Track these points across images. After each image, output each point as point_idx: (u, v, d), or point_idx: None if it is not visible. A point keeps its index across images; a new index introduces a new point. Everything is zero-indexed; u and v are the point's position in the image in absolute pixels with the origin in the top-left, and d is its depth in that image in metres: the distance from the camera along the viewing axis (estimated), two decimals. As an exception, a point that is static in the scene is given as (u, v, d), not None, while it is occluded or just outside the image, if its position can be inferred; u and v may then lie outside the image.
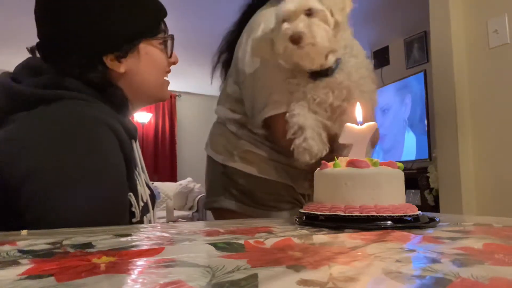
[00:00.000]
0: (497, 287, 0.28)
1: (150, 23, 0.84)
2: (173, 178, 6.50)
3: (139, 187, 0.79)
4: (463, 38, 1.93)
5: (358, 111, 0.72)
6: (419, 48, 4.12)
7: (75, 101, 0.73)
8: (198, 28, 3.97)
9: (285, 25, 0.96)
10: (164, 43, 0.87)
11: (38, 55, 0.80)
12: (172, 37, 0.89)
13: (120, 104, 0.81)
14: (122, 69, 0.80)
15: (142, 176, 0.85)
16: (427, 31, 3.83)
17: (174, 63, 0.92)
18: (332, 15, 0.95)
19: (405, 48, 4.28)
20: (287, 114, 1.02)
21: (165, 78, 0.91)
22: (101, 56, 0.78)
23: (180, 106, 6.92)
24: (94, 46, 0.77)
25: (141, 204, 0.79)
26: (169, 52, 0.89)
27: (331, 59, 0.99)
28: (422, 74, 3.46)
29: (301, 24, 0.94)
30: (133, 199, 0.75)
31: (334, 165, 0.64)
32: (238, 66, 1.15)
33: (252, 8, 1.22)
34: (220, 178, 1.19)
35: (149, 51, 0.84)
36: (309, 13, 0.95)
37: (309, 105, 1.02)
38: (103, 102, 0.77)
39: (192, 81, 6.07)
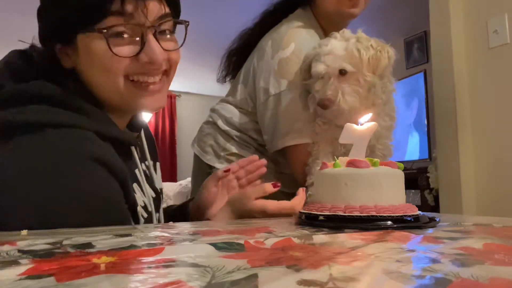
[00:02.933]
0: (497, 287, 0.28)
1: (85, 7, 0.61)
2: (173, 178, 6.49)
3: (139, 201, 0.71)
4: (463, 38, 1.93)
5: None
6: (419, 48, 4.12)
7: (56, 131, 0.60)
8: (199, 27, 3.98)
9: (316, 87, 0.96)
10: (118, 34, 0.62)
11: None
12: (145, 29, 0.63)
13: (87, 106, 0.65)
14: (67, 63, 0.67)
15: (144, 184, 0.76)
16: (427, 31, 3.82)
17: (149, 62, 0.65)
18: (365, 75, 0.95)
19: (405, 48, 4.28)
20: (310, 159, 1.03)
21: (133, 81, 0.67)
22: (51, 44, 0.66)
23: (180, 106, 6.92)
24: (47, 31, 0.66)
25: (143, 218, 0.73)
26: (130, 49, 0.64)
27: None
28: (422, 74, 3.46)
29: (329, 91, 0.94)
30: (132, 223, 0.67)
31: (334, 165, 0.64)
32: (259, 81, 1.13)
33: (275, 13, 1.21)
34: (205, 178, 1.18)
35: (88, 45, 0.63)
36: (343, 73, 0.95)
37: (334, 151, 1.02)
38: (81, 107, 0.64)
39: (192, 81, 6.07)
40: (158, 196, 0.83)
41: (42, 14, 0.67)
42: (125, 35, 0.64)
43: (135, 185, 0.74)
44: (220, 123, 1.20)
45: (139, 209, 0.70)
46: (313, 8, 1.18)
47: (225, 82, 1.33)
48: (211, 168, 1.17)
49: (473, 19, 1.90)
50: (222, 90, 1.37)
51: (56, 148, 0.59)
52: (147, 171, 0.83)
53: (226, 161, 1.16)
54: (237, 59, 1.28)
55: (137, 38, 0.65)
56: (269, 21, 1.20)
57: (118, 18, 0.62)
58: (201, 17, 3.75)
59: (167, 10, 0.68)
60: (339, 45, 0.96)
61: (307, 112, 1.04)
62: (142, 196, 0.75)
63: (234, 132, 1.17)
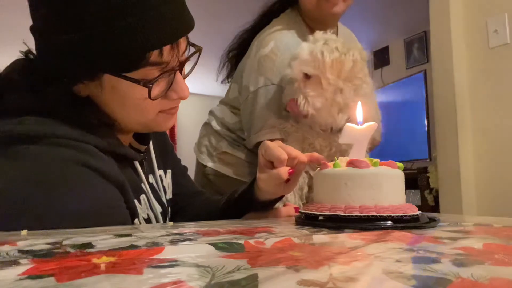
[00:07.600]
0: (497, 287, 0.28)
1: (123, 54, 0.59)
2: (173, 178, 6.49)
3: (142, 213, 0.72)
4: (463, 38, 1.93)
5: (359, 111, 0.72)
6: (419, 48, 4.12)
7: (51, 141, 0.59)
8: (199, 28, 3.98)
9: (286, 91, 0.97)
10: (152, 81, 0.62)
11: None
12: (176, 70, 0.66)
13: (93, 123, 0.64)
14: (82, 92, 0.64)
15: (150, 198, 0.76)
16: (427, 31, 3.83)
17: (181, 98, 0.70)
18: (328, 78, 0.92)
19: (405, 48, 4.28)
20: None
21: (164, 111, 0.70)
22: (73, 79, 0.63)
23: (180, 106, 6.89)
24: (68, 67, 0.61)
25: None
26: (160, 89, 0.65)
27: (342, 118, 0.96)
28: (422, 74, 3.46)
29: (295, 95, 0.94)
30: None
31: (334, 165, 0.64)
32: (243, 79, 1.15)
33: (272, 12, 1.23)
34: (200, 177, 1.24)
35: (116, 85, 0.62)
36: (308, 76, 0.95)
37: (303, 150, 1.01)
38: (81, 121, 0.63)
39: (192, 81, 6.08)
40: (165, 210, 0.83)
41: (63, 50, 0.60)
42: (158, 80, 0.64)
43: (143, 197, 0.74)
44: (213, 123, 1.24)
45: (136, 220, 0.70)
46: (299, 8, 1.19)
47: (227, 82, 1.35)
48: (204, 167, 1.21)
49: (473, 19, 1.90)
50: (222, 90, 1.38)
51: (52, 156, 0.59)
52: (154, 185, 0.82)
53: (218, 160, 1.20)
54: (235, 59, 1.30)
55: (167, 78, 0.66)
56: (263, 22, 1.22)
57: (155, 67, 0.62)
58: (202, 19, 3.75)
59: (188, 39, 0.68)
60: (306, 48, 0.95)
61: (281, 108, 1.05)
62: (148, 210, 0.75)
63: (225, 132, 1.21)
